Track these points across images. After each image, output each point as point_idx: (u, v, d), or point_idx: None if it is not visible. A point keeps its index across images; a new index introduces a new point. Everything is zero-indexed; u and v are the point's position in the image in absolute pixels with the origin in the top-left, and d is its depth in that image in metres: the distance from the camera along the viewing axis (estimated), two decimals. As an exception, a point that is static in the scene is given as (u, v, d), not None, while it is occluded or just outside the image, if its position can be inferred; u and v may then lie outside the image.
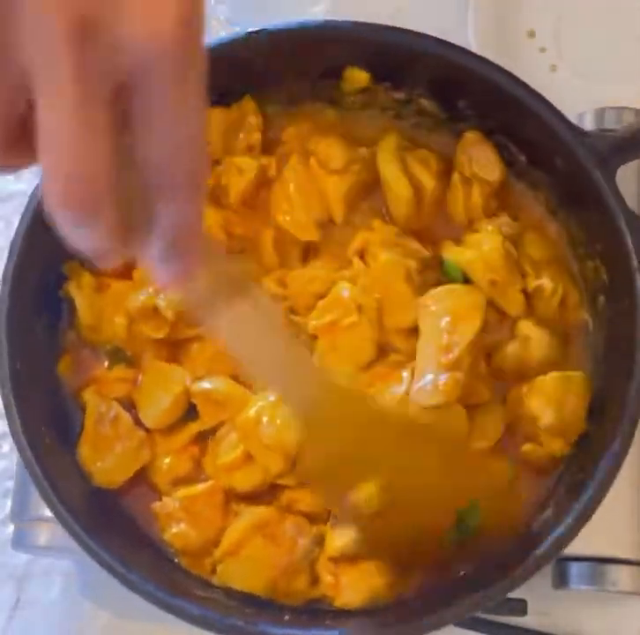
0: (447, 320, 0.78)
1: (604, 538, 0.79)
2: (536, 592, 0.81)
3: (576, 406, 0.80)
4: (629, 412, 0.74)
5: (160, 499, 0.80)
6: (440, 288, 0.80)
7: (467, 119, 0.85)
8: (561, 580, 0.82)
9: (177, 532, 0.79)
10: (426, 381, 0.77)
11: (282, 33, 0.82)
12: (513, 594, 0.74)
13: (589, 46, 1.00)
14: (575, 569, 0.81)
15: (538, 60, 1.00)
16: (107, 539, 0.76)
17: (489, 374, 0.81)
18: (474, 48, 0.95)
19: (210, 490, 0.79)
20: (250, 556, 0.77)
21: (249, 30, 0.82)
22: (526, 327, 0.82)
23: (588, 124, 0.88)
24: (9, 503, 0.86)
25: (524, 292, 0.83)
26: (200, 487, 0.80)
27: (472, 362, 0.78)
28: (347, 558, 0.78)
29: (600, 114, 0.88)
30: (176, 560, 0.80)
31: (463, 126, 0.86)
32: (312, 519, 0.79)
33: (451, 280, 0.81)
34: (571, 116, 0.86)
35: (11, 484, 0.85)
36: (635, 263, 0.76)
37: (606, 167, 0.78)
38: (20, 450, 0.76)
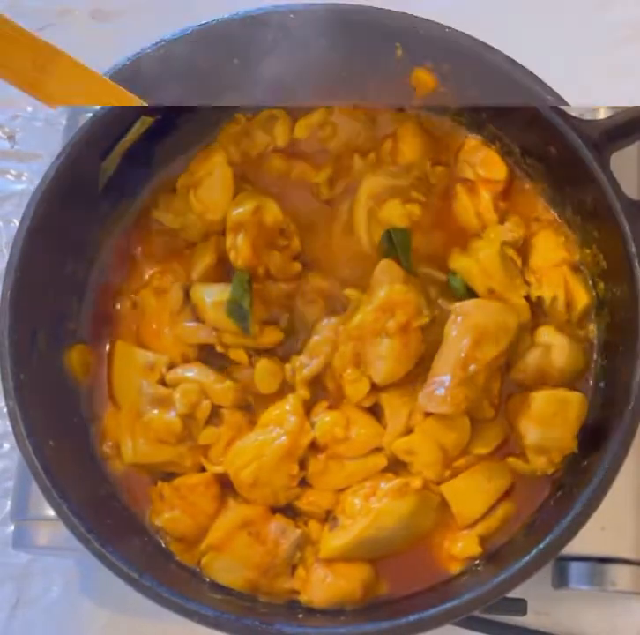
0: (473, 335, 0.76)
1: (604, 538, 0.80)
2: (536, 591, 0.81)
3: (565, 428, 0.77)
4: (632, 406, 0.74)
5: (156, 484, 0.81)
6: (473, 301, 0.79)
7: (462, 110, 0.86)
8: (560, 580, 0.82)
9: (170, 517, 0.79)
10: (437, 386, 0.76)
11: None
12: (513, 594, 0.74)
13: (585, 45, 1.00)
14: (574, 569, 0.81)
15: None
16: (119, 544, 0.75)
17: (504, 389, 0.80)
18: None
19: (207, 481, 0.80)
20: (235, 552, 0.78)
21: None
22: (547, 334, 0.80)
23: (588, 124, 0.88)
24: (9, 502, 0.86)
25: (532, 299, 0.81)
26: (198, 476, 0.80)
27: (485, 382, 0.77)
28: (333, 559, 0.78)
29: (599, 113, 0.88)
30: (167, 546, 0.81)
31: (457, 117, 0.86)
32: (310, 517, 0.80)
33: (456, 292, 0.81)
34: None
35: (11, 484, 0.85)
36: (633, 248, 0.75)
37: (600, 153, 0.77)
38: (25, 456, 0.75)
